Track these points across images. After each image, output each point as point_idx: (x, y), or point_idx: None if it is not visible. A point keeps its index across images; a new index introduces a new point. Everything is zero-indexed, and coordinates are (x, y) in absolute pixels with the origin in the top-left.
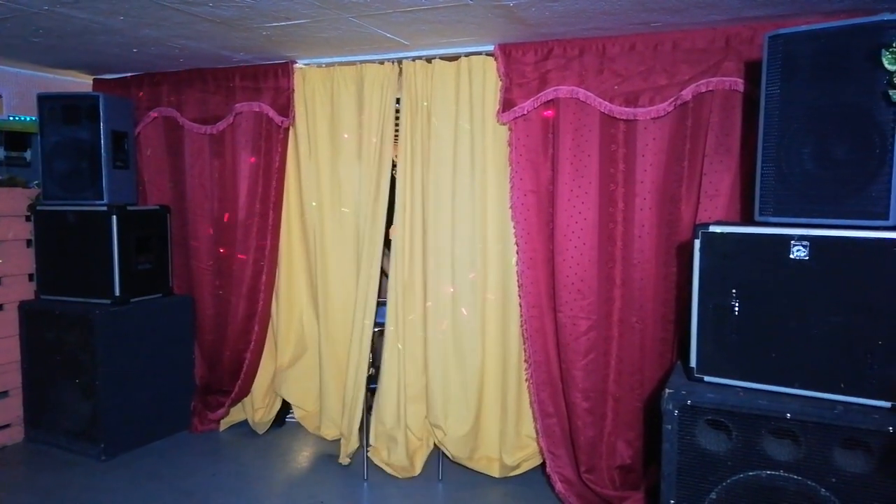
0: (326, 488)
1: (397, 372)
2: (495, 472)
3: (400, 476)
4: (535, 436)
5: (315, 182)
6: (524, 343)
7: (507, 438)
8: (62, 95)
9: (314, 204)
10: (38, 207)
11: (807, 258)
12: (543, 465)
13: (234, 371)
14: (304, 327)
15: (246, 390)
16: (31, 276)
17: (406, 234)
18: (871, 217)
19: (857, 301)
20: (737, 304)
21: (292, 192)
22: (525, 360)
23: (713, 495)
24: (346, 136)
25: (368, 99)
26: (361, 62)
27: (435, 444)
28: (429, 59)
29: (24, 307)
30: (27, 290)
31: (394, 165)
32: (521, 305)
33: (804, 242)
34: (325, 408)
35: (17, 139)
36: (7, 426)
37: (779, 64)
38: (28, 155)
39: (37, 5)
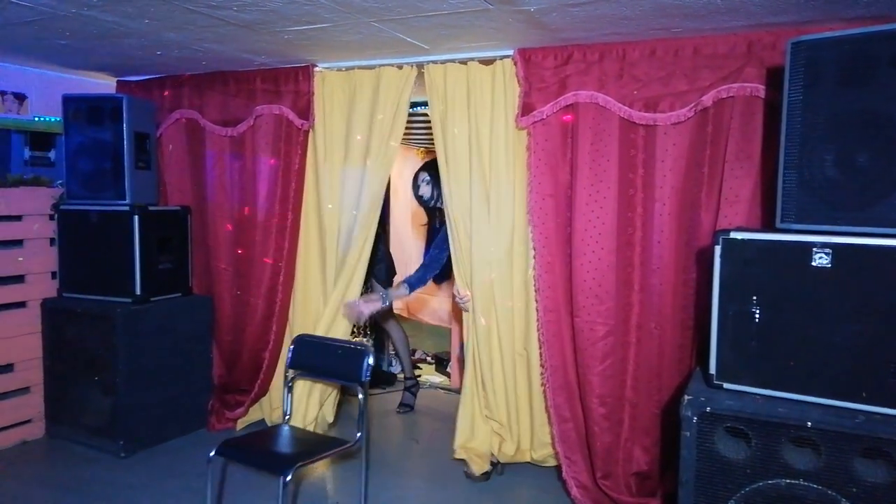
0: (344, 488)
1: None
2: (526, 458)
3: (477, 469)
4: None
5: (332, 184)
6: (540, 347)
7: (535, 436)
8: (86, 97)
9: (330, 206)
10: (62, 207)
11: (829, 266)
12: (559, 469)
13: (252, 371)
14: (317, 329)
15: (264, 390)
16: (53, 274)
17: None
18: (895, 225)
19: (879, 309)
20: (757, 311)
21: (310, 193)
22: (541, 365)
23: (731, 503)
24: (359, 137)
25: (383, 102)
26: (380, 66)
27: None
28: (462, 63)
29: (46, 305)
30: (50, 288)
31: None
32: (537, 310)
33: (826, 250)
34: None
35: (42, 139)
36: (28, 422)
37: (801, 70)
38: (52, 155)
39: (64, 8)
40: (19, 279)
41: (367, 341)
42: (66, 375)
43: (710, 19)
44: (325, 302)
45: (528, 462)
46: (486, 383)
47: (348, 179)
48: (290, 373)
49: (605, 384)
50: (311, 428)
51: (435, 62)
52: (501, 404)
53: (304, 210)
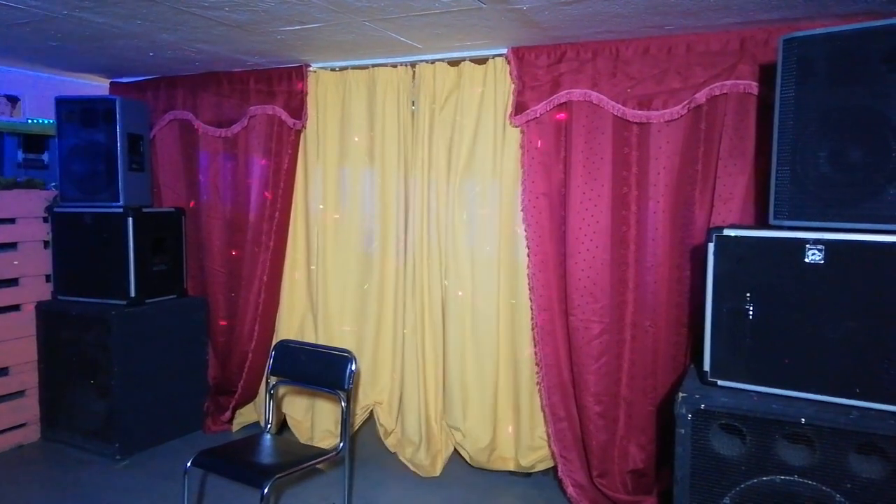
0: (337, 490)
1: (417, 375)
2: (511, 467)
3: (423, 475)
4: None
5: (323, 185)
6: (535, 346)
7: (521, 440)
8: (79, 99)
9: (321, 207)
10: (56, 209)
11: (822, 262)
12: (556, 468)
13: (241, 372)
14: (303, 332)
15: (248, 392)
16: (48, 277)
17: (422, 238)
18: (887, 221)
19: (872, 305)
20: (751, 308)
21: (300, 194)
22: (536, 363)
23: (727, 500)
24: (356, 139)
25: (381, 102)
26: (374, 66)
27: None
28: (453, 63)
29: (41, 307)
30: (44, 291)
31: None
32: (532, 308)
33: (819, 246)
34: (319, 417)
35: (35, 142)
36: (24, 425)
37: (794, 67)
38: (46, 157)
39: (55, 10)
40: (13, 282)
41: None
42: (61, 378)
43: (703, 16)
44: (312, 311)
45: (512, 471)
46: (454, 391)
47: (348, 181)
48: (273, 379)
49: (601, 382)
50: (324, 444)
51: (428, 61)
52: (473, 411)
53: (294, 211)
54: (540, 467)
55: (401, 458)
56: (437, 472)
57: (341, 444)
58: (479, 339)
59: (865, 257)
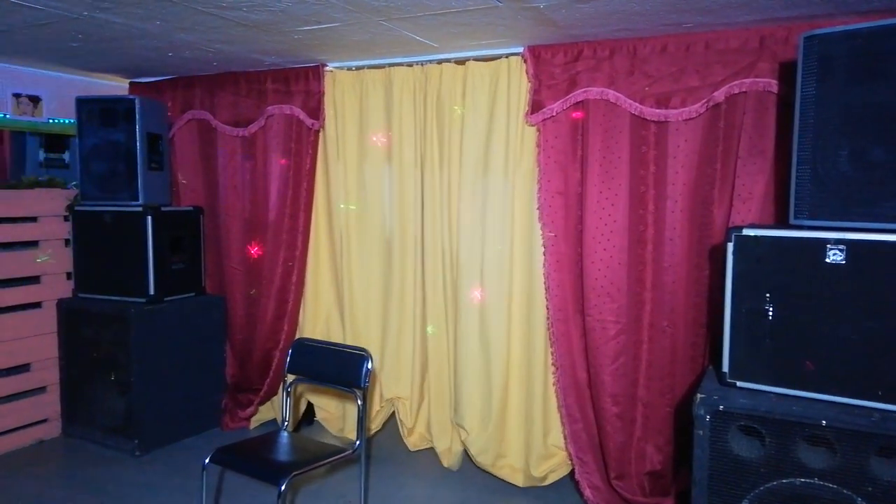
0: (355, 487)
1: (435, 373)
2: (519, 482)
3: (446, 465)
4: (561, 444)
5: (343, 184)
6: (551, 347)
7: (532, 449)
8: (99, 99)
9: (342, 206)
10: (77, 208)
11: (843, 262)
12: (572, 471)
13: (263, 370)
14: (329, 329)
15: (274, 389)
16: (69, 275)
17: (437, 237)
18: None
19: (895, 306)
20: (771, 309)
21: (321, 193)
22: (553, 364)
23: (745, 503)
24: (374, 138)
25: (398, 102)
26: (390, 65)
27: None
28: (460, 62)
29: (62, 305)
30: (65, 289)
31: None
32: (547, 308)
33: (840, 246)
34: (351, 409)
35: (56, 141)
36: (44, 421)
37: (814, 64)
38: (67, 157)
39: (76, 11)
40: (35, 280)
41: None
42: (81, 375)
43: (722, 14)
44: (339, 307)
45: (521, 486)
46: (461, 389)
47: (367, 180)
48: (290, 377)
49: (618, 383)
50: (355, 436)
51: (446, 60)
52: (474, 411)
53: (315, 210)
54: (552, 478)
55: (417, 454)
56: (455, 469)
57: (357, 443)
58: (489, 338)
59: (887, 257)
